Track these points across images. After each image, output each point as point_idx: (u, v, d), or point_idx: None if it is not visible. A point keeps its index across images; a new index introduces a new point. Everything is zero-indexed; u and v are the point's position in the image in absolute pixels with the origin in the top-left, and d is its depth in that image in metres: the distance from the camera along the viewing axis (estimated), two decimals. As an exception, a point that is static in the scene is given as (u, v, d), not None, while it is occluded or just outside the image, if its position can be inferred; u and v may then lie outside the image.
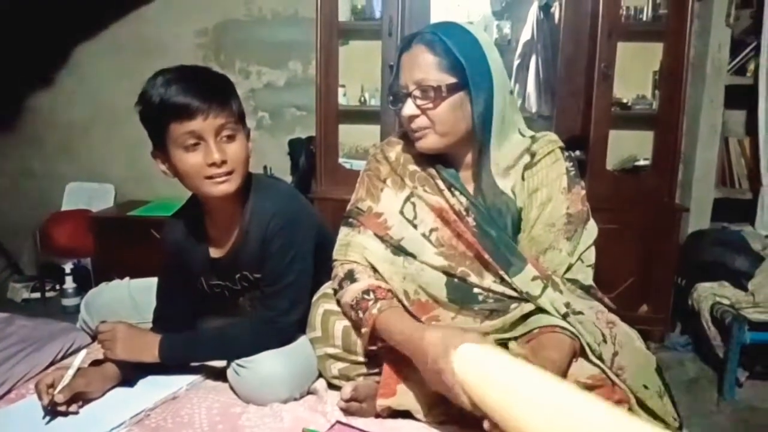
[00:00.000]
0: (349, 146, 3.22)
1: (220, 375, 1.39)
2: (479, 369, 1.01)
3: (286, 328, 1.36)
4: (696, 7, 2.78)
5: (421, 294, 1.33)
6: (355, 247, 1.35)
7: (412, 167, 1.37)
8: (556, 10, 3.02)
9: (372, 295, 1.24)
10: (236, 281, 1.46)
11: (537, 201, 1.32)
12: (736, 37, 2.97)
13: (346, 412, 1.24)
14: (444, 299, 1.31)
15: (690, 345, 2.79)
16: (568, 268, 1.30)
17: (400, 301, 1.26)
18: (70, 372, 1.25)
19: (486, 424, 0.98)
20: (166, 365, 1.37)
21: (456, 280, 1.30)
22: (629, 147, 2.99)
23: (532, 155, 1.34)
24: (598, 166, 2.81)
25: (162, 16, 3.46)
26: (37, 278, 3.53)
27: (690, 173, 3.09)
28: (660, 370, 1.21)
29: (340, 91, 2.98)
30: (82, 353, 1.34)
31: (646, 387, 1.15)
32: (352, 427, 1.19)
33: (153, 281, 1.55)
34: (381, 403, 1.20)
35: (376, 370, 1.27)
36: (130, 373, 1.36)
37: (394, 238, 1.34)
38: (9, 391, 1.36)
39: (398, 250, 1.35)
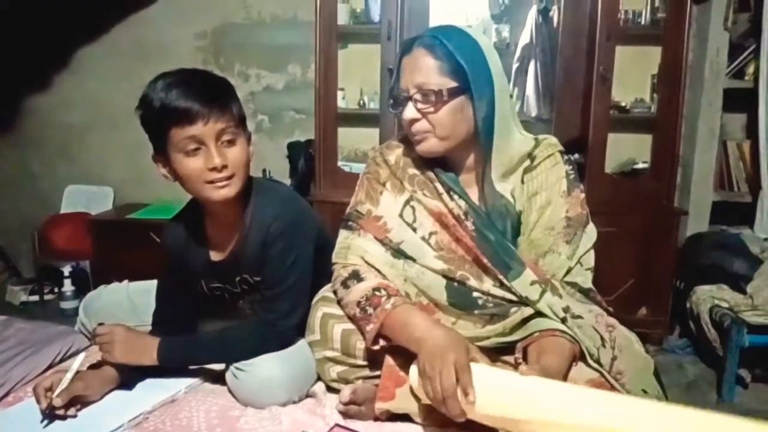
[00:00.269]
0: (348, 149, 3.22)
1: (218, 378, 1.39)
2: (490, 381, 1.02)
3: (285, 332, 1.35)
4: (694, 11, 2.80)
5: (421, 297, 1.34)
6: (355, 250, 1.35)
7: (412, 171, 1.37)
8: (554, 13, 3.03)
9: (384, 292, 1.24)
10: (236, 284, 1.45)
11: (536, 204, 1.32)
12: (734, 40, 2.98)
13: (345, 415, 1.24)
14: (444, 303, 1.31)
15: (689, 348, 2.79)
16: (568, 272, 1.30)
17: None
18: (69, 375, 1.25)
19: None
20: (165, 368, 1.36)
21: (456, 283, 1.30)
22: (628, 150, 2.99)
23: (532, 159, 1.34)
24: (597, 170, 2.81)
25: (161, 19, 3.46)
26: (36, 281, 3.53)
27: (689, 176, 3.09)
28: (657, 374, 1.21)
29: (339, 94, 2.99)
30: (81, 356, 1.34)
31: (645, 391, 1.15)
32: (351, 430, 1.19)
33: (152, 284, 1.55)
34: (380, 406, 1.20)
35: (375, 373, 1.27)
36: (129, 376, 1.35)
37: (393, 241, 1.34)
38: (7, 394, 1.35)
39: (398, 253, 1.35)
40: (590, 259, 1.34)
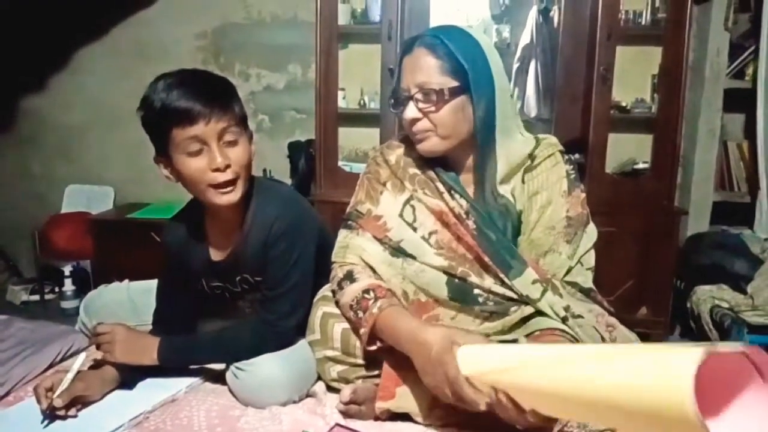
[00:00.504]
0: (349, 149, 3.22)
1: (219, 378, 1.39)
2: (488, 360, 1.01)
3: (286, 332, 1.36)
4: (695, 11, 2.79)
5: (420, 294, 1.33)
6: (353, 249, 1.35)
7: (412, 170, 1.38)
8: (555, 13, 3.02)
9: (372, 294, 1.24)
10: (236, 284, 1.45)
11: (537, 204, 1.32)
12: (734, 41, 2.98)
13: (345, 414, 1.24)
14: (445, 298, 1.31)
15: (689, 348, 2.79)
16: (568, 271, 1.30)
17: (399, 300, 1.26)
18: (69, 376, 1.25)
19: (491, 392, 0.98)
20: (165, 368, 1.36)
21: (457, 280, 1.30)
22: (628, 150, 2.99)
23: (532, 158, 1.34)
24: (598, 170, 2.81)
25: (161, 19, 3.46)
26: (37, 280, 3.53)
27: (689, 176, 3.09)
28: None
29: (340, 94, 2.99)
30: (81, 356, 1.34)
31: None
32: (351, 430, 1.19)
33: (152, 284, 1.55)
34: (380, 405, 1.20)
35: (376, 373, 1.27)
36: (129, 376, 1.35)
37: (393, 240, 1.34)
38: (7, 394, 1.35)
39: (397, 251, 1.35)
40: (591, 259, 1.34)
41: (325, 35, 2.85)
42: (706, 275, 2.66)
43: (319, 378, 1.37)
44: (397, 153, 1.42)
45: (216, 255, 1.44)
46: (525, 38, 3.17)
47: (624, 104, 2.93)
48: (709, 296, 2.56)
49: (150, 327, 1.48)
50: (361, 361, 1.30)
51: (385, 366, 1.23)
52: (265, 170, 3.24)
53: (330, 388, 1.35)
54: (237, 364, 1.32)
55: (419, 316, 1.25)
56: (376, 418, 1.22)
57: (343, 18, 2.92)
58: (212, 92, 1.26)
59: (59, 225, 3.37)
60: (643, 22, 2.88)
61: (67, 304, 3.27)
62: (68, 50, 3.54)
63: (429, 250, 1.32)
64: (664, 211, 2.80)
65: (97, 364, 1.35)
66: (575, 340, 1.17)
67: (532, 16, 3.12)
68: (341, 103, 3.01)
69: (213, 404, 1.31)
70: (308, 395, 1.36)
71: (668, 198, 2.81)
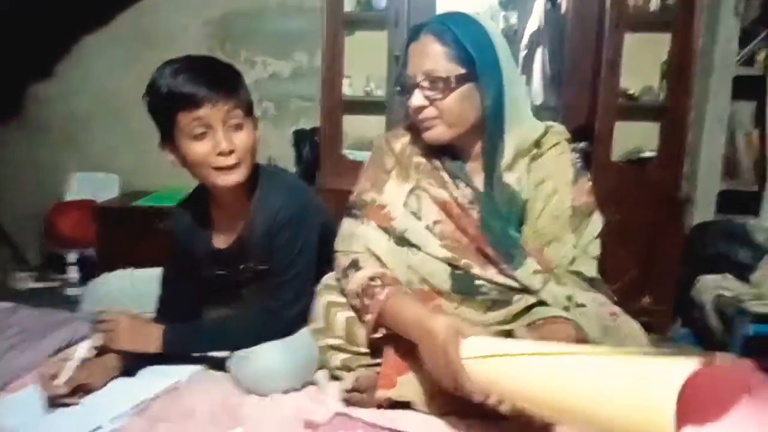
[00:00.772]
0: (354, 137, 3.20)
1: (221, 365, 1.39)
2: (488, 354, 1.01)
3: (289, 320, 1.35)
4: (705, -3, 2.76)
5: (423, 285, 1.33)
6: (357, 238, 1.34)
7: (417, 159, 1.37)
8: (563, 0, 2.99)
9: (379, 282, 1.24)
10: (240, 272, 1.46)
11: (542, 193, 1.31)
12: (745, 27, 2.94)
13: (348, 402, 1.24)
14: (447, 290, 1.31)
15: (692, 337, 2.78)
16: (573, 261, 1.29)
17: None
18: (72, 364, 1.26)
19: (492, 399, 0.98)
20: (168, 355, 1.36)
21: (459, 271, 1.30)
22: (635, 138, 2.97)
23: (539, 147, 1.33)
24: (604, 158, 2.79)
25: (167, 6, 3.45)
26: (42, 268, 3.54)
27: (696, 165, 3.06)
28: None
29: (346, 81, 2.97)
30: (85, 344, 1.34)
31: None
32: (354, 418, 1.19)
33: (156, 272, 1.55)
34: (381, 394, 1.20)
35: (378, 361, 1.27)
36: (132, 364, 1.36)
37: (397, 229, 1.34)
38: (11, 381, 1.35)
39: (401, 241, 1.34)
40: (596, 248, 1.33)
41: (331, 22, 2.84)
42: (711, 264, 2.64)
43: (322, 366, 1.37)
44: (402, 141, 1.41)
45: (220, 242, 1.44)
46: (532, 25, 3.15)
47: (632, 92, 2.91)
48: (713, 285, 2.54)
49: (153, 315, 1.48)
50: (363, 350, 1.29)
51: (387, 354, 1.23)
52: (270, 158, 3.23)
53: (332, 377, 1.35)
54: (239, 352, 1.32)
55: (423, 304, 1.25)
56: (378, 406, 1.22)
57: (349, 4, 2.91)
58: (218, 77, 1.26)
59: (65, 212, 3.38)
60: (652, 9, 2.85)
61: (72, 292, 3.28)
62: (74, 38, 3.53)
63: (433, 240, 1.32)
64: (670, 200, 2.78)
65: (100, 352, 1.35)
66: (579, 327, 1.16)
67: (540, 2, 3.10)
68: (347, 90, 2.99)
69: (216, 392, 1.30)
70: (310, 383, 1.35)
71: (674, 187, 2.78)
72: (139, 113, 1.31)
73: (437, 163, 1.35)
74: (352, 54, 2.97)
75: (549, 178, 1.31)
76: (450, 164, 1.34)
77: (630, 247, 2.70)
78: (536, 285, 1.24)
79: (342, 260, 1.34)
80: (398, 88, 1.35)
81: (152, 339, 1.34)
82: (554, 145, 1.34)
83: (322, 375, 1.36)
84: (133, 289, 1.64)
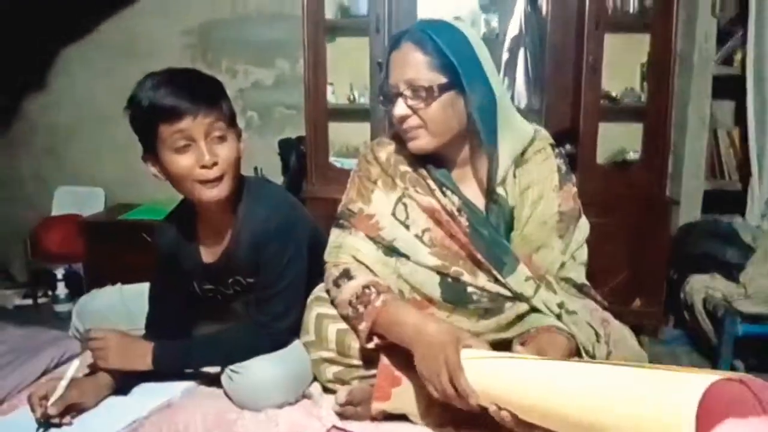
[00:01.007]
0: (340, 145, 3.20)
1: (214, 381, 1.38)
2: (485, 364, 1.01)
3: (280, 333, 1.35)
4: (682, -2, 2.79)
5: (414, 294, 1.33)
6: (346, 249, 1.34)
7: (403, 168, 1.37)
8: (543, 2, 3.02)
9: (374, 289, 1.24)
10: (229, 286, 1.45)
11: (529, 199, 1.31)
12: (722, 27, 2.98)
13: (342, 416, 1.23)
14: (438, 299, 1.31)
15: (684, 338, 2.80)
16: (561, 266, 1.31)
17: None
18: (63, 383, 1.24)
19: (493, 408, 0.98)
20: (160, 372, 1.36)
21: (450, 279, 1.30)
22: (619, 140, 2.99)
23: (523, 153, 1.34)
24: (589, 160, 2.81)
25: (148, 16, 3.43)
26: (29, 284, 3.51)
27: (680, 165, 3.09)
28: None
29: (329, 89, 2.97)
30: (75, 363, 1.32)
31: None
32: (348, 431, 1.19)
33: (145, 287, 1.54)
34: (376, 406, 1.20)
35: (371, 373, 1.26)
36: (124, 382, 1.35)
37: (386, 239, 1.34)
38: (1, 402, 1.34)
39: (390, 251, 1.34)
40: (583, 254, 1.35)
41: (312, 29, 2.84)
42: (699, 265, 2.66)
43: (315, 379, 1.37)
44: (387, 150, 1.41)
45: (208, 257, 1.43)
46: (513, 28, 3.16)
47: (614, 94, 2.93)
48: (702, 286, 2.57)
49: (143, 331, 1.47)
50: (356, 362, 1.29)
51: (381, 366, 1.23)
52: (256, 168, 3.22)
53: (326, 390, 1.35)
54: (232, 367, 1.31)
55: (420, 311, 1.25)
56: (373, 419, 1.22)
57: (329, 11, 2.91)
58: (199, 89, 1.26)
59: (50, 228, 3.35)
60: (631, 11, 2.87)
61: (60, 308, 3.25)
62: (54, 49, 3.50)
63: (422, 248, 1.32)
64: (655, 201, 2.81)
65: (91, 371, 1.34)
66: (571, 336, 1.17)
67: (520, 5, 3.12)
68: (330, 98, 2.99)
69: (209, 408, 1.30)
70: (304, 397, 1.35)
71: (659, 187, 2.81)
72: (122, 125, 1.31)
73: (423, 171, 1.35)
74: (335, 61, 2.97)
75: (534, 184, 1.32)
76: (436, 172, 1.34)
77: (618, 250, 2.72)
78: (528, 292, 1.24)
79: (332, 271, 1.33)
80: (381, 97, 1.34)
81: (142, 356, 1.33)
82: (538, 151, 1.34)
83: (316, 388, 1.36)
84: (123, 306, 1.63)
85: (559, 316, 1.20)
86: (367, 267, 1.32)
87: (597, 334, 1.19)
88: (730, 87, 3.02)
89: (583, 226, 1.35)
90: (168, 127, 1.22)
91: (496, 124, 1.27)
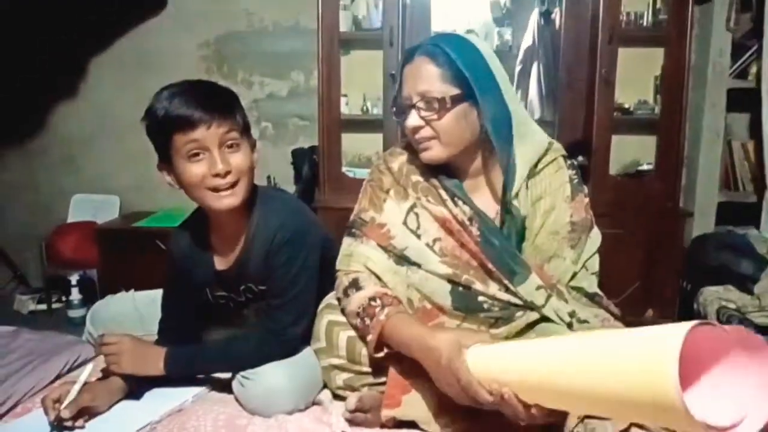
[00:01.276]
0: (352, 155, 3.23)
1: (225, 386, 1.39)
2: (494, 359, 1.01)
3: (291, 340, 1.36)
4: (696, 12, 2.80)
5: (425, 302, 1.34)
6: (357, 257, 1.35)
7: (415, 178, 1.38)
8: (556, 16, 3.03)
9: (379, 302, 1.24)
10: (241, 293, 1.46)
11: (541, 209, 1.32)
12: (736, 41, 2.98)
13: (352, 422, 1.24)
14: (449, 307, 1.31)
15: (698, 350, 2.77)
16: (573, 276, 1.30)
17: (405, 308, 1.26)
18: (77, 387, 1.26)
19: (495, 386, 0.97)
20: (172, 378, 1.37)
21: (461, 288, 1.30)
22: (632, 152, 2.99)
23: (536, 164, 1.34)
24: (601, 172, 2.81)
25: (165, 29, 3.48)
26: (44, 290, 3.54)
27: (693, 177, 3.08)
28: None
29: (343, 100, 2.99)
30: (89, 367, 1.34)
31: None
32: (358, 438, 1.19)
33: (158, 294, 1.56)
34: (386, 413, 1.20)
35: (382, 380, 1.27)
36: (136, 386, 1.36)
37: (397, 248, 1.35)
38: (15, 405, 1.36)
39: (401, 259, 1.35)
40: (595, 264, 1.34)
41: (326, 42, 2.87)
42: (713, 276, 2.64)
43: (325, 386, 1.37)
44: (399, 160, 1.42)
45: (220, 264, 1.45)
46: (527, 41, 3.18)
47: (627, 106, 2.93)
48: (715, 297, 2.54)
49: (156, 337, 1.48)
50: (366, 369, 1.30)
51: (391, 373, 1.23)
52: (269, 177, 3.25)
53: (336, 396, 1.35)
54: (243, 373, 1.32)
55: (425, 323, 1.25)
56: (382, 426, 1.22)
57: (344, 24, 2.94)
58: (213, 100, 1.28)
59: (66, 234, 3.39)
60: (645, 24, 2.88)
61: (74, 314, 3.27)
62: (74, 61, 3.55)
63: (433, 257, 1.32)
64: (668, 212, 2.80)
65: (104, 375, 1.36)
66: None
67: (534, 18, 3.13)
68: (344, 109, 3.01)
69: (220, 413, 1.31)
70: (314, 403, 1.36)
71: (673, 199, 2.81)
72: (138, 135, 1.33)
73: (435, 181, 1.36)
74: (349, 73, 3.00)
75: (546, 194, 1.32)
76: (447, 182, 1.35)
77: (631, 261, 2.71)
78: (539, 301, 1.24)
79: (342, 280, 1.34)
80: (394, 109, 1.36)
81: (154, 361, 1.34)
82: (551, 162, 1.35)
83: (326, 395, 1.36)
84: (136, 312, 1.65)
85: (570, 325, 1.20)
86: (378, 276, 1.33)
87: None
88: (744, 100, 3.00)
89: (595, 237, 1.35)
90: (182, 137, 1.24)
91: (512, 135, 1.29)
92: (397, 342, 1.19)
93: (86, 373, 1.31)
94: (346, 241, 1.40)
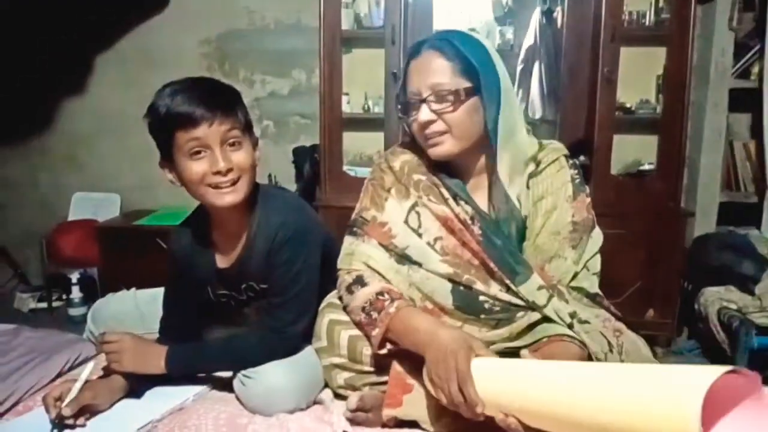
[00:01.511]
0: (353, 154, 3.22)
1: (226, 385, 1.39)
2: (503, 376, 1.01)
3: (292, 339, 1.36)
4: (699, 11, 2.80)
5: (426, 302, 1.33)
6: (359, 256, 1.35)
7: (417, 176, 1.37)
8: (558, 15, 3.03)
9: (387, 296, 1.24)
10: (242, 291, 1.46)
11: (542, 209, 1.31)
12: (739, 40, 2.97)
13: (353, 422, 1.24)
14: (450, 307, 1.31)
15: (697, 350, 2.78)
16: (574, 277, 1.30)
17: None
18: (78, 385, 1.26)
19: (500, 416, 0.97)
20: (173, 376, 1.37)
21: (462, 287, 1.30)
22: (633, 151, 2.98)
23: (537, 163, 1.34)
24: (603, 171, 2.81)
25: (166, 27, 3.48)
26: (44, 288, 3.54)
27: (695, 177, 3.08)
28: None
29: (344, 99, 2.99)
30: (90, 365, 1.34)
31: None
32: (359, 438, 1.19)
33: (159, 292, 1.55)
34: (387, 413, 1.20)
35: (383, 379, 1.27)
36: (137, 385, 1.36)
37: (398, 246, 1.34)
38: (17, 404, 1.36)
39: (403, 258, 1.35)
40: (596, 264, 1.34)
41: (328, 40, 2.86)
42: (714, 276, 2.64)
43: (326, 385, 1.37)
44: (401, 159, 1.41)
45: (222, 262, 1.45)
46: (528, 40, 3.18)
47: (628, 105, 2.93)
48: (716, 298, 2.54)
49: (157, 335, 1.48)
50: (368, 368, 1.30)
51: (393, 373, 1.23)
52: (270, 176, 3.25)
53: (337, 396, 1.35)
54: (244, 372, 1.32)
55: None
56: (384, 426, 1.22)
57: (346, 23, 2.93)
58: (215, 97, 1.28)
59: (66, 232, 3.39)
60: (647, 23, 2.87)
61: (74, 312, 3.28)
62: (76, 61, 3.55)
63: (434, 256, 1.32)
64: (670, 212, 2.80)
65: (105, 373, 1.36)
66: (583, 345, 1.17)
67: (535, 17, 3.13)
68: (345, 107, 3.01)
69: (221, 412, 1.30)
70: (315, 402, 1.36)
71: (674, 199, 2.80)
72: (139, 133, 1.33)
73: (436, 180, 1.35)
74: (350, 71, 2.99)
75: (548, 194, 1.32)
76: (449, 181, 1.34)
77: (632, 261, 2.71)
78: (540, 301, 1.24)
79: (345, 278, 1.34)
80: (399, 107, 1.34)
81: (155, 360, 1.34)
82: (552, 162, 1.34)
83: (327, 394, 1.36)
84: (137, 310, 1.65)
85: (570, 326, 1.20)
86: (380, 274, 1.32)
87: (609, 344, 1.19)
88: (747, 100, 3.00)
89: (597, 237, 1.35)
90: (184, 134, 1.24)
91: (504, 134, 1.28)
92: (405, 333, 1.18)
93: (87, 371, 1.31)
94: (348, 240, 1.40)
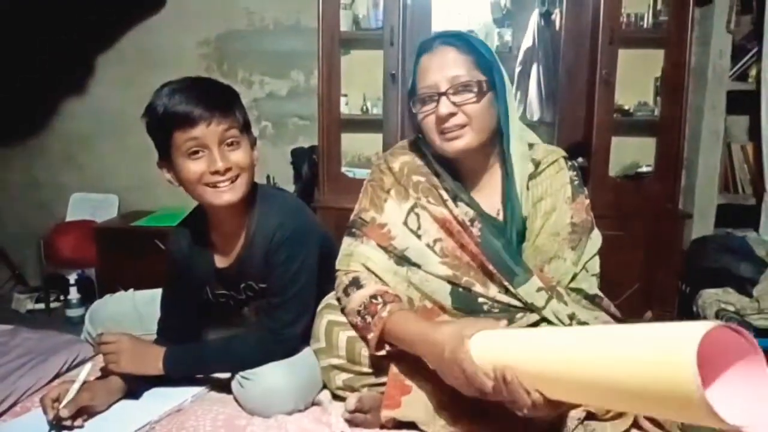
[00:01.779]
0: (352, 155, 3.22)
1: (224, 387, 1.39)
2: (499, 344, 1.01)
3: (290, 340, 1.35)
4: (696, 14, 2.80)
5: (425, 301, 1.34)
6: (357, 257, 1.35)
7: (416, 178, 1.37)
8: (556, 17, 3.03)
9: (380, 299, 1.24)
10: (241, 291, 1.46)
11: (541, 211, 1.32)
12: (736, 43, 2.98)
13: (351, 423, 1.24)
14: (449, 307, 1.31)
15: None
16: (573, 278, 1.30)
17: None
18: (75, 386, 1.25)
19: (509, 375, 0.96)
20: (171, 377, 1.36)
21: (461, 289, 1.30)
22: (632, 154, 2.99)
23: (536, 165, 1.34)
24: (601, 173, 2.81)
25: (165, 27, 3.47)
26: (42, 289, 3.53)
27: (693, 179, 3.08)
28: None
29: (343, 100, 2.99)
30: (87, 366, 1.34)
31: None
32: (358, 439, 1.19)
33: (157, 293, 1.55)
34: (385, 414, 1.20)
35: (381, 381, 1.27)
36: (135, 386, 1.36)
37: (397, 248, 1.34)
38: (14, 405, 1.35)
39: (402, 259, 1.35)
40: (595, 265, 1.34)
41: (327, 41, 2.86)
42: (712, 278, 2.64)
43: (325, 386, 1.37)
44: (400, 160, 1.42)
45: (220, 262, 1.45)
46: (527, 42, 3.18)
47: (627, 107, 2.93)
48: (714, 299, 2.55)
49: (155, 336, 1.48)
50: (366, 369, 1.30)
51: (391, 374, 1.23)
52: (268, 177, 3.24)
53: (335, 397, 1.35)
54: (242, 373, 1.32)
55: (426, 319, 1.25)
56: (382, 427, 1.22)
57: (345, 24, 2.93)
58: (213, 97, 1.28)
59: (64, 233, 3.38)
60: (645, 25, 2.87)
61: (72, 313, 3.26)
62: (74, 61, 3.55)
63: (433, 258, 1.32)
64: (668, 214, 2.80)
65: (103, 374, 1.36)
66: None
67: (534, 19, 3.13)
68: (344, 108, 3.01)
69: (219, 413, 1.30)
70: (314, 404, 1.36)
71: (672, 201, 2.80)
72: (137, 134, 1.34)
73: (436, 181, 1.35)
74: (349, 73, 2.99)
75: (547, 195, 1.32)
76: (449, 183, 1.35)
77: (630, 263, 2.71)
78: (539, 302, 1.24)
79: (342, 279, 1.34)
80: (412, 102, 1.32)
81: (153, 361, 1.34)
82: (552, 164, 1.35)
83: (325, 395, 1.36)
84: (135, 311, 1.64)
85: (569, 327, 1.20)
86: (378, 276, 1.33)
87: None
88: (744, 102, 3.01)
89: (596, 238, 1.35)
90: (182, 134, 1.24)
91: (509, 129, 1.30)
92: (400, 338, 1.19)
93: (85, 372, 1.31)
94: (346, 241, 1.40)
